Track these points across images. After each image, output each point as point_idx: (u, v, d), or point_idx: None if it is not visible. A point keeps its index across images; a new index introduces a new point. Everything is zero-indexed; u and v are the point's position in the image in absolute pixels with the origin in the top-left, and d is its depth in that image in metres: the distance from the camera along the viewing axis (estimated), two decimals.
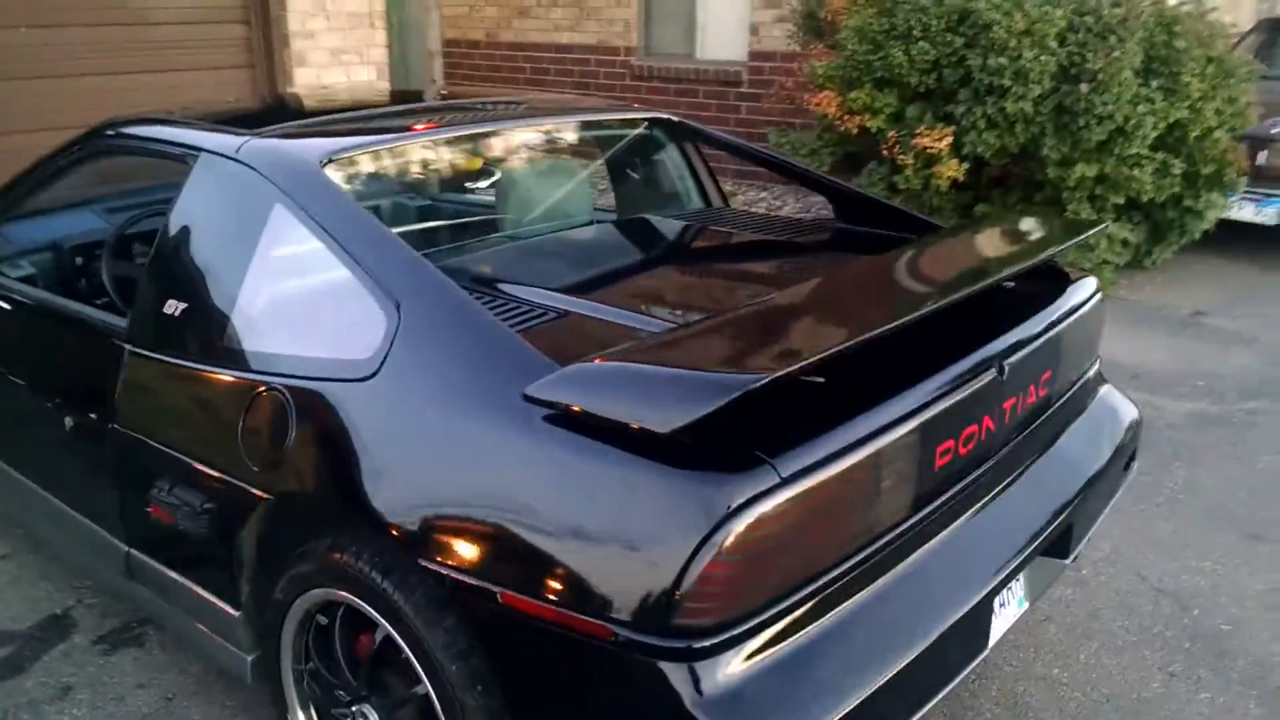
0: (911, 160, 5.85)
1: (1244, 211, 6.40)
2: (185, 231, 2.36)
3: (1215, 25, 6.03)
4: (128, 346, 2.35)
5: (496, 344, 1.84)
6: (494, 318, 1.89)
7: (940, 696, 1.85)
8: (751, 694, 1.59)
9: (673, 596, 1.55)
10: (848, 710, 1.63)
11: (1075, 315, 2.36)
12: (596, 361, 1.67)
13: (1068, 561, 2.30)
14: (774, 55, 8.46)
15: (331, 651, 2.10)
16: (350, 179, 2.31)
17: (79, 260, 3.10)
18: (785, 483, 1.58)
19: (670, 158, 3.18)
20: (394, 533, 1.82)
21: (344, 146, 2.33)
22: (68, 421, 2.50)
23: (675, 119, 3.15)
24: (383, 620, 1.89)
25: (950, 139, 5.74)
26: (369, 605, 1.91)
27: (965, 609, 1.89)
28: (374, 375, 1.91)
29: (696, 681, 1.56)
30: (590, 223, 2.88)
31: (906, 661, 1.75)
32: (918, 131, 5.80)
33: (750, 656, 1.61)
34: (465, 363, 1.84)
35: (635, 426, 1.56)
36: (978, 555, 2.01)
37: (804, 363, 1.59)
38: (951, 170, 5.78)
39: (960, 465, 1.97)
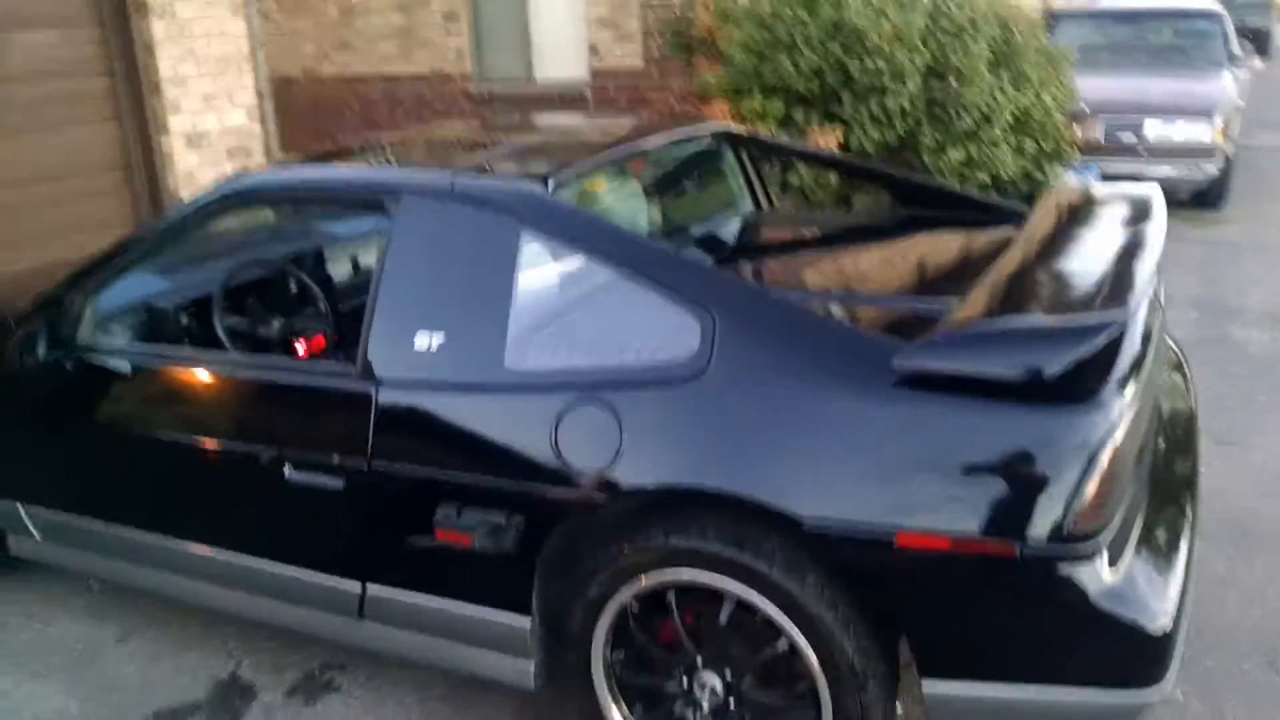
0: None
1: (1067, 179, 7.36)
2: (412, 269, 2.44)
3: (1034, 20, 6.95)
4: (374, 388, 2.40)
5: (830, 330, 2.11)
6: (810, 309, 2.15)
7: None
8: (1128, 580, 1.94)
9: (1067, 512, 1.88)
10: (1184, 580, 2.03)
11: None
12: (951, 331, 1.98)
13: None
14: (618, 73, 8.85)
15: (655, 635, 2.28)
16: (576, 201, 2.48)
17: (184, 319, 3.04)
18: (1126, 408, 1.95)
19: (737, 164, 3.49)
20: (763, 507, 2.03)
21: (570, 170, 2.50)
22: (288, 472, 2.50)
23: (736, 130, 3.46)
24: (740, 589, 2.10)
25: (840, 137, 6.31)
26: (725, 578, 2.11)
27: (1194, 489, 2.35)
28: (703, 373, 2.11)
29: (1092, 577, 1.90)
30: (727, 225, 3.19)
31: (1190, 537, 2.17)
32: (810, 131, 6.34)
33: (1114, 553, 1.96)
34: (804, 348, 2.08)
35: (1012, 378, 1.88)
36: (1181, 444, 2.49)
37: (1132, 304, 1.96)
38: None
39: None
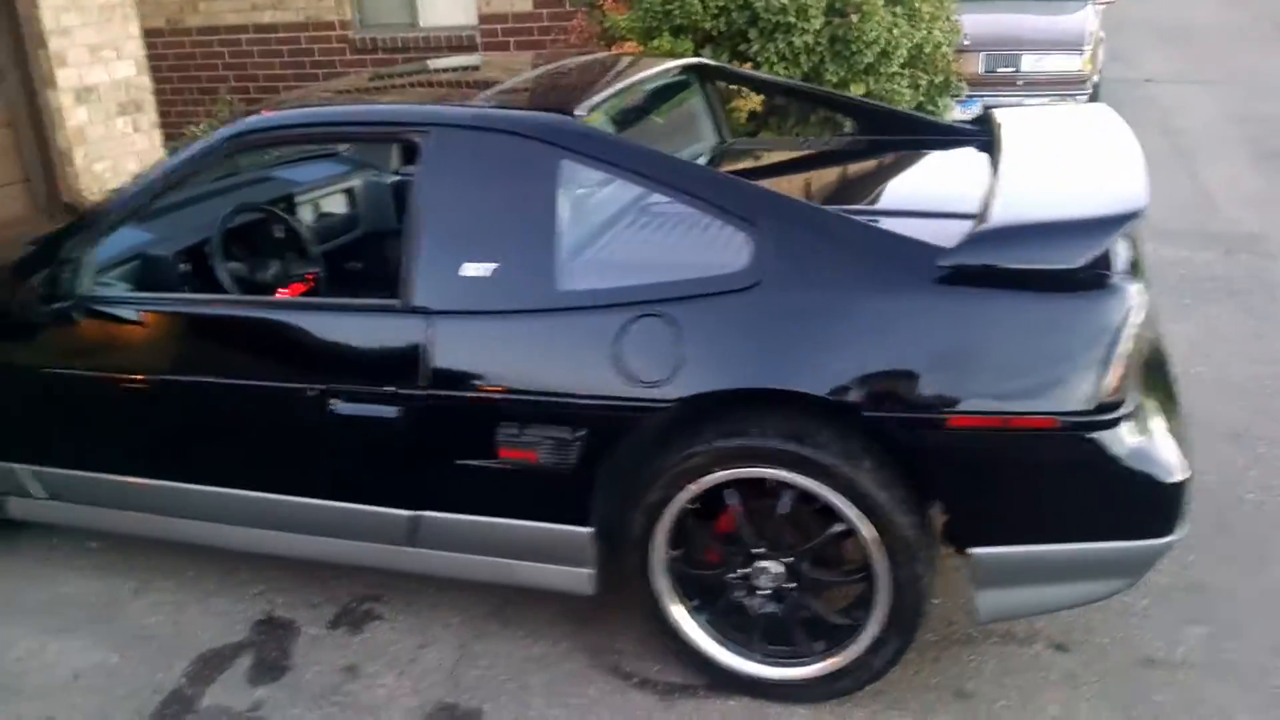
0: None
1: (953, 112, 7.77)
2: (450, 202, 2.51)
3: None
4: (425, 317, 2.47)
5: (873, 235, 2.29)
6: (850, 217, 2.33)
7: None
8: (1148, 442, 2.22)
9: (1098, 386, 2.13)
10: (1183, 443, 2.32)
11: None
12: (989, 229, 2.19)
13: None
14: (506, 17, 8.81)
15: (713, 531, 2.46)
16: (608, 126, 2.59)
17: (183, 266, 3.01)
18: (1141, 292, 2.21)
19: (706, 97, 3.64)
20: (823, 401, 2.22)
21: (590, 100, 2.60)
22: (336, 406, 2.55)
23: (708, 63, 3.61)
24: (802, 480, 2.30)
25: None
26: (787, 471, 2.30)
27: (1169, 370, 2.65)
28: (757, 284, 2.28)
29: (1119, 441, 2.16)
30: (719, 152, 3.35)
31: (1178, 409, 2.47)
32: None
33: (1134, 423, 2.23)
34: (851, 254, 2.27)
35: (1047, 269, 2.12)
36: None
37: (1145, 190, 2.21)
38: (753, 103, 6.56)
39: None
